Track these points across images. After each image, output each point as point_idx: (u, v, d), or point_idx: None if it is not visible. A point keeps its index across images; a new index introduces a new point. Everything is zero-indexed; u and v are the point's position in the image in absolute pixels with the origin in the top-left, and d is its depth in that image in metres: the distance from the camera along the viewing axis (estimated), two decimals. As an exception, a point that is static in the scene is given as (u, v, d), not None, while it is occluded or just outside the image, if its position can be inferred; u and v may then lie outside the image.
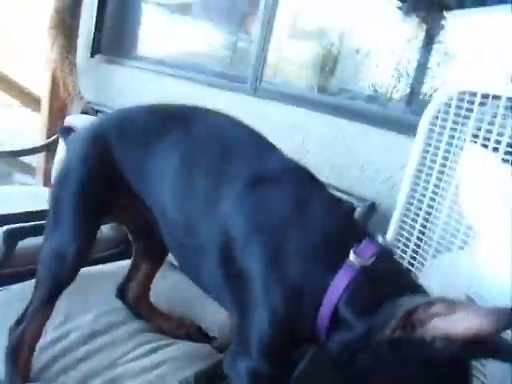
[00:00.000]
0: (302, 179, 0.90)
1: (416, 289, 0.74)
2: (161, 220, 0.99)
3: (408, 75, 1.73)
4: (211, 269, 0.88)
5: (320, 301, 0.73)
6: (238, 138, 0.97)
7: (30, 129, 3.50)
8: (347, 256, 0.74)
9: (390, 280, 0.74)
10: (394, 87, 1.79)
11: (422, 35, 1.78)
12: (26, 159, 2.94)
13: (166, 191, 0.95)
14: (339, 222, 0.84)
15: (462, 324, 0.56)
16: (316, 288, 0.74)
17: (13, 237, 1.32)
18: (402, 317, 0.62)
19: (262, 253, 0.79)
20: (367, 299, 0.71)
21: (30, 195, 2.15)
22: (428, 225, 1.07)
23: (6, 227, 1.33)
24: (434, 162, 1.06)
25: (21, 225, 1.35)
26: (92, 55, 2.37)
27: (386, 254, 0.78)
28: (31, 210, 1.56)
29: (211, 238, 0.87)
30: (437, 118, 1.06)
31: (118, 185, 1.02)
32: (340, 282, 0.72)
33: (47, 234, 1.07)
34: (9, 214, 1.42)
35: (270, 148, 0.96)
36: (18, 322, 1.08)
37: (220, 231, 0.85)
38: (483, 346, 0.59)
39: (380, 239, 0.79)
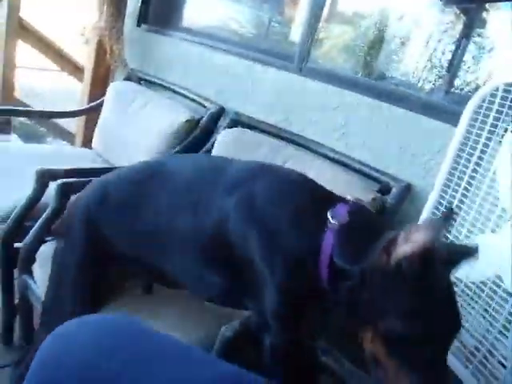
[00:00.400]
0: (267, 172, 1.01)
1: (390, 229, 0.85)
2: (165, 265, 1.06)
3: (448, 65, 1.76)
4: (220, 282, 0.97)
5: (317, 260, 0.85)
6: (208, 163, 1.09)
7: (68, 93, 3.60)
8: (327, 219, 0.86)
9: (368, 228, 0.87)
10: (430, 76, 1.83)
11: (460, 27, 1.81)
12: (61, 123, 3.04)
13: (162, 239, 1.02)
14: (313, 193, 0.95)
15: (414, 243, 0.70)
16: (310, 252, 0.86)
17: (66, 191, 1.41)
18: (382, 249, 0.74)
19: (260, 238, 0.89)
20: (353, 248, 0.83)
21: (74, 155, 2.26)
22: (463, 207, 1.13)
23: (60, 181, 1.42)
24: (474, 148, 1.12)
25: (74, 180, 1.44)
26: (138, 25, 2.43)
27: (359, 210, 0.90)
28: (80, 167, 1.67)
29: (213, 257, 0.96)
30: (481, 107, 1.11)
31: (113, 257, 1.10)
32: (328, 242, 0.84)
33: (51, 295, 1.17)
34: (62, 170, 1.51)
35: (230, 160, 1.08)
36: (19, 362, 1.21)
37: (220, 245, 0.94)
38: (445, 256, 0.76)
39: (350, 198, 0.91)
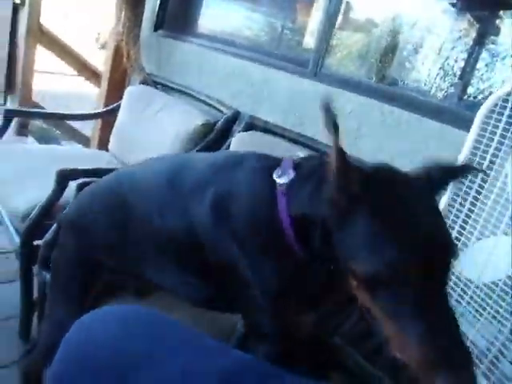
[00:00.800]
0: (226, 166, 0.92)
1: None
2: (146, 272, 1.04)
3: (461, 72, 1.78)
4: (201, 286, 0.94)
5: (281, 224, 0.79)
6: (173, 164, 1.03)
7: (83, 98, 3.67)
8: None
9: (319, 173, 0.77)
10: (442, 84, 1.85)
11: (473, 34, 1.83)
12: (77, 127, 3.10)
13: (139, 244, 1.01)
14: (259, 167, 0.88)
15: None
16: (274, 221, 0.79)
17: (86, 190, 1.44)
18: (332, 186, 0.68)
19: (240, 247, 0.84)
20: (308, 195, 0.76)
21: (91, 156, 2.31)
22: (475, 210, 1.15)
23: (80, 180, 1.46)
24: (485, 152, 1.14)
25: (93, 179, 1.47)
26: (155, 30, 2.48)
27: (307, 160, 0.84)
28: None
29: (189, 261, 0.93)
30: (493, 111, 1.13)
31: (100, 265, 1.10)
32: (282, 205, 0.79)
33: (51, 296, 1.20)
34: (82, 169, 1.55)
35: (194, 158, 1.06)
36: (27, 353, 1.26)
37: (193, 248, 0.90)
38: None
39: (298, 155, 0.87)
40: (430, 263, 0.62)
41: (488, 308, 1.08)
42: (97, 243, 1.09)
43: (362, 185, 0.66)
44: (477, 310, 1.11)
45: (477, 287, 1.11)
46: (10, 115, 2.18)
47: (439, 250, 0.64)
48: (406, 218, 0.64)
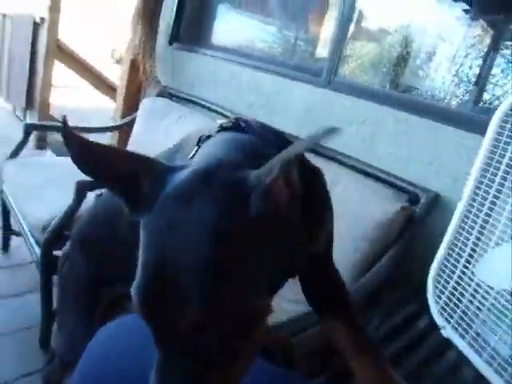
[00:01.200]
0: None
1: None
2: None
3: (475, 79, 1.77)
4: None
5: None
6: None
7: (99, 112, 3.72)
8: None
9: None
10: (457, 91, 1.84)
11: (487, 40, 1.82)
12: (92, 139, 3.14)
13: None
14: None
15: None
16: None
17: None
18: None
19: None
20: None
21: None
22: (492, 214, 1.13)
23: (98, 191, 1.48)
24: (502, 156, 1.13)
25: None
26: (170, 43, 2.52)
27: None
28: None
29: None
30: (509, 115, 1.13)
31: (104, 278, 1.08)
32: None
33: (59, 307, 1.20)
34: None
35: None
36: (48, 362, 1.26)
37: None
38: None
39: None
40: (150, 295, 0.48)
41: (510, 314, 1.06)
42: (105, 257, 1.07)
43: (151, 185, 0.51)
44: (498, 317, 1.09)
45: (498, 293, 1.09)
46: (29, 129, 2.22)
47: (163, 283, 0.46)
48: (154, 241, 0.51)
